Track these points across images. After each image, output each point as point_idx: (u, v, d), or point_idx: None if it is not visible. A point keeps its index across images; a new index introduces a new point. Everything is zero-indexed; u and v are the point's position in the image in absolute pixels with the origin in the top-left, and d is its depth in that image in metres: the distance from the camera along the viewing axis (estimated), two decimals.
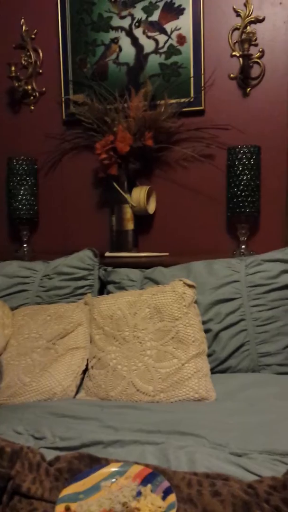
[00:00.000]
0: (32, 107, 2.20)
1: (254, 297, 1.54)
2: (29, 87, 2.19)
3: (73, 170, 2.14)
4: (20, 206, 2.07)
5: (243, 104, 1.96)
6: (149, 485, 0.93)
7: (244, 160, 1.83)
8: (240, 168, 1.83)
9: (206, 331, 1.53)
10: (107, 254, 1.94)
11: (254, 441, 1.10)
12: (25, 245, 2.13)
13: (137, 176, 2.01)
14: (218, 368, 1.52)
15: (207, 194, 1.99)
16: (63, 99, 2.12)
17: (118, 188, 1.95)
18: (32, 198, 2.10)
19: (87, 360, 1.53)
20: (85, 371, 1.53)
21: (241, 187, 1.83)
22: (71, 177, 2.15)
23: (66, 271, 1.76)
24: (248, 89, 1.95)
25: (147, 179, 2.04)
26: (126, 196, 1.95)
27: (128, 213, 1.96)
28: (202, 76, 1.96)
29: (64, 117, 2.13)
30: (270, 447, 1.07)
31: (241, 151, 1.83)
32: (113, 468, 0.99)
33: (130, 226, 1.97)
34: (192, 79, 1.97)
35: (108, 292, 1.74)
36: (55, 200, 2.18)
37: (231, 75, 1.96)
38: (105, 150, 1.90)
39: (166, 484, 0.92)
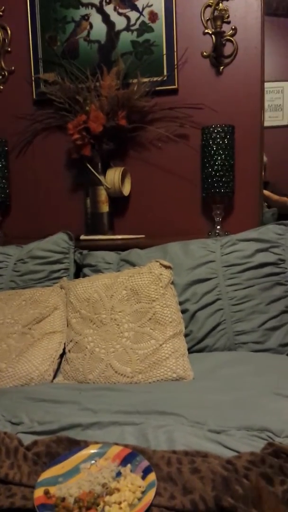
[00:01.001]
0: (1, 87, 2.13)
1: (229, 276, 1.55)
2: None
3: (45, 151, 2.09)
4: None
5: (216, 83, 1.94)
6: (128, 465, 0.93)
7: (218, 140, 1.82)
8: (214, 148, 1.82)
9: (183, 311, 1.53)
10: (83, 237, 1.91)
11: (232, 418, 1.11)
12: None
13: (111, 157, 1.98)
14: (195, 347, 1.53)
15: (182, 175, 1.97)
16: (33, 78, 2.05)
17: (92, 170, 1.91)
18: (3, 181, 2.04)
19: (64, 344, 1.52)
20: (62, 355, 1.52)
21: (216, 167, 1.82)
22: (43, 159, 2.10)
23: (40, 255, 1.73)
24: (221, 67, 1.93)
25: (121, 160, 2.01)
26: (100, 177, 1.92)
27: (103, 195, 1.93)
28: (175, 54, 1.92)
29: (34, 97, 2.07)
30: (248, 423, 1.08)
31: (215, 131, 1.82)
32: (92, 450, 0.99)
33: (105, 208, 1.94)
34: (164, 57, 1.93)
35: (84, 275, 1.72)
36: (27, 183, 2.13)
37: (204, 53, 1.93)
38: (78, 130, 1.86)
39: (145, 463, 0.92)
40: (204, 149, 1.85)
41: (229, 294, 1.54)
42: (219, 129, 1.82)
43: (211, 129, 1.83)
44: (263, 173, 1.98)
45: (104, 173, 1.93)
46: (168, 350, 1.40)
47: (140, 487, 0.87)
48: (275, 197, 2.76)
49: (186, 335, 1.51)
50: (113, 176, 1.90)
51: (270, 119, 3.89)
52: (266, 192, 2.50)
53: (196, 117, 1.94)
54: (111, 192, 1.93)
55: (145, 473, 0.90)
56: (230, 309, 1.53)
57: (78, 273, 1.78)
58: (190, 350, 1.51)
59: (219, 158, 1.82)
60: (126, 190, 1.97)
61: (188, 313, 1.54)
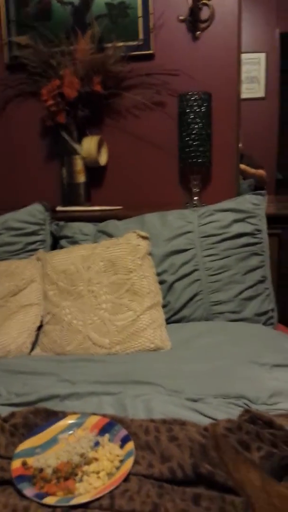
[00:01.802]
0: None
1: (206, 247, 1.55)
2: None
3: (19, 119, 2.01)
4: None
5: (193, 48, 1.88)
6: (106, 435, 0.94)
7: (196, 108, 1.78)
8: (192, 116, 1.78)
9: (161, 282, 1.53)
10: (59, 208, 1.87)
11: (209, 386, 1.13)
12: None
13: (87, 125, 1.92)
14: (173, 318, 1.54)
15: (159, 144, 1.93)
16: (5, 41, 1.95)
17: (67, 138, 1.86)
18: None
19: (41, 316, 1.50)
20: (39, 327, 1.50)
21: (193, 136, 1.79)
22: (17, 127, 2.02)
23: (16, 226, 1.69)
24: (198, 32, 1.87)
25: (97, 129, 1.95)
26: (76, 146, 1.86)
27: (79, 164, 1.88)
28: (151, 17, 1.85)
29: (7, 61, 1.97)
30: (224, 391, 1.10)
31: (192, 98, 1.78)
32: (70, 420, 0.99)
33: (81, 178, 1.90)
34: (140, 20, 1.86)
35: (61, 247, 1.70)
36: (0, 151, 2.05)
37: (180, 17, 1.86)
38: (52, 95, 1.79)
39: (123, 432, 0.93)
40: (181, 117, 1.81)
41: (206, 265, 1.54)
42: (196, 96, 1.78)
43: (188, 96, 1.78)
44: (239, 144, 1.96)
45: (79, 141, 1.88)
46: (145, 321, 1.40)
47: (118, 456, 0.88)
48: (251, 170, 2.75)
49: (163, 306, 1.51)
50: (89, 144, 1.85)
51: (247, 91, 3.83)
52: (242, 165, 2.48)
53: (173, 84, 1.89)
54: (87, 162, 1.88)
55: (123, 442, 0.91)
56: (207, 280, 1.53)
57: (55, 245, 1.75)
58: (168, 321, 1.51)
59: (196, 126, 1.79)
60: (103, 159, 1.93)
61: (165, 284, 1.54)
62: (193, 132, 1.78)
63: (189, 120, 1.78)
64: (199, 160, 1.80)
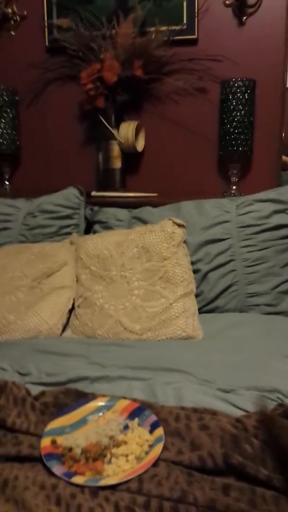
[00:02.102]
0: (13, 33, 2.03)
1: (244, 237, 1.51)
2: (9, 10, 2.00)
3: (57, 102, 2.02)
4: (0, 140, 1.95)
5: (238, 34, 1.83)
6: (136, 419, 0.93)
7: (238, 95, 1.74)
8: (234, 103, 1.74)
9: (195, 271, 1.50)
10: (94, 193, 1.86)
11: (242, 378, 1.10)
12: (6, 182, 2.04)
13: (125, 110, 1.90)
14: (206, 308, 1.51)
15: (199, 131, 1.90)
16: (46, 24, 1.95)
17: (105, 123, 1.84)
18: (13, 132, 1.98)
19: (73, 299, 1.51)
20: (71, 310, 1.50)
21: (234, 123, 1.74)
22: (55, 110, 2.02)
23: (50, 209, 1.69)
24: (244, 17, 1.82)
25: (135, 114, 1.93)
26: (114, 131, 1.85)
27: (116, 150, 1.87)
28: (196, 1, 1.81)
29: (47, 44, 1.97)
30: (257, 383, 1.07)
31: (235, 85, 1.73)
32: (100, 402, 0.98)
33: (117, 164, 1.88)
34: (184, 4, 1.82)
35: (95, 232, 1.69)
36: (37, 135, 2.06)
37: (227, 2, 1.81)
38: (91, 79, 1.78)
39: (153, 418, 0.91)
40: (223, 104, 1.77)
41: (243, 256, 1.50)
42: (240, 83, 1.73)
43: (231, 83, 1.74)
44: (283, 132, 1.90)
45: (117, 127, 1.86)
46: (178, 309, 1.38)
47: (147, 440, 0.87)
48: None
49: (197, 295, 1.48)
50: (126, 130, 1.83)
51: None
52: (283, 157, 2.41)
53: (216, 70, 1.84)
54: (124, 147, 1.86)
55: (153, 427, 0.89)
56: (243, 271, 1.49)
57: (89, 230, 1.75)
58: (201, 311, 1.49)
59: (238, 114, 1.74)
60: (140, 145, 1.90)
61: (200, 273, 1.51)
62: (235, 119, 1.74)
63: (232, 107, 1.74)
64: (239, 149, 1.75)
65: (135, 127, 1.83)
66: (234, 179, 1.81)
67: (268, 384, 1.06)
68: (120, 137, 1.85)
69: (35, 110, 2.04)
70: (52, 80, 2.00)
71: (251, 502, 0.74)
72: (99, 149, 1.91)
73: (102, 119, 1.85)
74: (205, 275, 1.51)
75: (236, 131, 1.75)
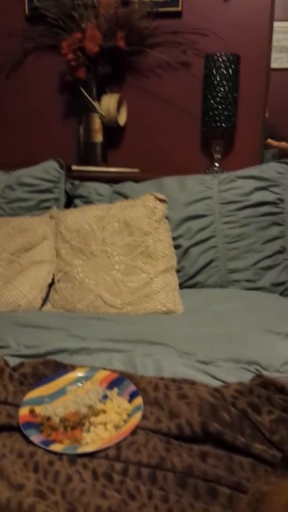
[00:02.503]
0: None
1: (226, 214, 1.51)
2: None
3: (37, 73, 1.95)
4: None
5: (223, 8, 1.80)
6: (115, 389, 0.93)
7: (222, 70, 1.71)
8: (218, 78, 1.71)
9: (176, 247, 1.49)
10: (74, 167, 1.83)
11: (221, 351, 1.11)
12: None
13: (107, 82, 1.86)
14: (187, 283, 1.51)
15: (182, 107, 1.87)
16: None
17: (86, 94, 1.80)
18: None
19: (53, 274, 1.49)
20: (51, 285, 1.49)
21: (218, 99, 1.72)
22: (35, 81, 1.96)
23: (30, 182, 1.66)
24: None
25: (117, 87, 1.89)
26: (95, 103, 1.81)
27: (97, 123, 1.83)
28: None
29: (27, 12, 1.90)
30: (236, 356, 1.08)
31: (220, 59, 1.70)
32: (79, 373, 0.98)
33: (98, 138, 1.85)
34: None
35: (75, 207, 1.66)
36: (17, 106, 2.00)
37: None
38: (72, 49, 1.73)
39: (132, 388, 0.91)
40: (206, 79, 1.74)
41: (225, 232, 1.50)
42: (224, 58, 1.70)
43: (216, 57, 1.71)
44: (266, 110, 1.89)
45: (99, 99, 1.82)
46: (159, 284, 1.38)
47: (126, 409, 0.87)
48: (274, 143, 2.66)
49: (178, 271, 1.48)
50: (108, 103, 1.79)
51: (275, 61, 3.69)
52: (268, 140, 2.40)
53: (200, 44, 1.81)
54: (105, 121, 1.83)
55: (132, 397, 0.90)
56: (225, 247, 1.49)
57: (69, 204, 1.72)
58: (182, 286, 1.49)
59: (222, 89, 1.72)
60: (122, 119, 1.87)
61: (181, 248, 1.51)
62: (219, 95, 1.71)
63: (215, 82, 1.71)
64: (223, 125, 1.74)
65: (117, 100, 1.79)
66: (217, 156, 1.80)
67: (246, 357, 1.07)
68: (101, 110, 1.81)
69: (14, 81, 1.98)
70: (32, 50, 1.94)
71: (228, 469, 0.75)
72: (80, 122, 1.87)
73: (83, 91, 1.80)
74: (186, 251, 1.51)
75: (219, 107, 1.73)
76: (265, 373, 1.03)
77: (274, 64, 3.68)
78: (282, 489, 0.60)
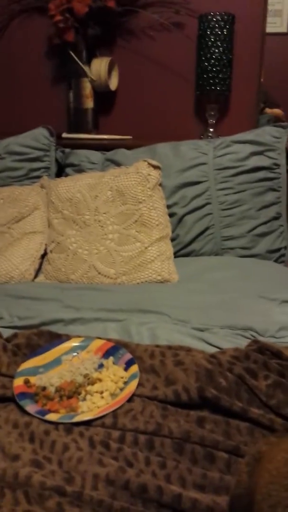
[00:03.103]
0: None
1: (221, 180, 1.47)
2: None
3: (23, 36, 1.87)
4: None
5: None
6: (111, 358, 0.92)
7: (217, 30, 1.64)
8: (212, 39, 1.64)
9: (171, 215, 1.47)
10: (64, 135, 1.77)
11: (216, 317, 1.10)
12: None
13: (97, 45, 1.79)
14: (182, 251, 1.49)
15: (175, 69, 1.80)
16: None
17: (76, 58, 1.73)
18: None
19: (46, 244, 1.46)
20: (44, 256, 1.46)
21: (212, 61, 1.66)
22: (21, 45, 1.88)
23: (19, 151, 1.61)
24: None
25: (108, 50, 1.81)
26: (85, 68, 1.74)
27: (87, 88, 1.76)
28: None
29: None
30: (231, 322, 1.07)
31: (214, 19, 1.63)
32: (74, 343, 0.96)
33: (89, 104, 1.78)
34: None
35: (66, 175, 1.62)
36: (2, 72, 1.92)
37: None
38: (60, 11, 1.65)
39: (128, 356, 0.91)
40: (200, 40, 1.67)
41: (220, 199, 1.47)
42: (218, 17, 1.63)
43: (210, 17, 1.64)
44: (262, 73, 1.83)
45: (89, 63, 1.75)
46: (153, 253, 1.36)
47: (122, 377, 0.86)
48: (268, 110, 2.61)
49: (172, 239, 1.46)
50: (99, 66, 1.73)
51: (269, 25, 3.58)
52: (267, 109, 2.34)
53: (194, 4, 1.73)
54: (96, 85, 1.76)
55: (128, 365, 0.89)
56: (220, 214, 1.47)
57: (60, 173, 1.67)
58: (176, 254, 1.47)
59: (216, 51, 1.65)
60: (113, 84, 1.81)
61: (175, 216, 1.48)
62: (213, 56, 1.65)
63: (210, 43, 1.65)
64: (217, 88, 1.68)
65: (108, 63, 1.73)
66: (211, 120, 1.75)
67: (242, 323, 1.07)
68: (92, 74, 1.74)
69: (0, 45, 1.89)
70: (18, 12, 1.85)
71: (225, 434, 0.75)
72: (69, 87, 1.80)
73: (73, 55, 1.73)
74: (181, 219, 1.48)
75: (214, 69, 1.67)
76: (260, 339, 1.03)
77: (268, 29, 3.56)
78: (282, 447, 0.60)
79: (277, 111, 2.72)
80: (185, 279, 1.34)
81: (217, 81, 1.67)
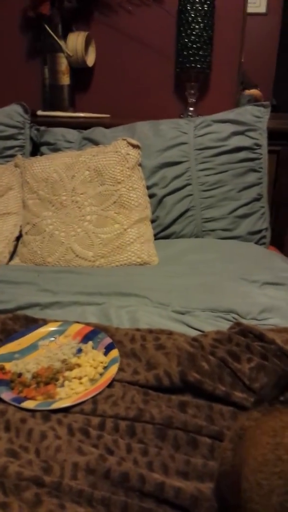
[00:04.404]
0: None
1: (202, 160, 1.44)
2: None
3: None
4: None
5: None
6: (90, 342, 0.89)
7: (197, 5, 1.59)
8: (193, 15, 1.59)
9: (150, 196, 1.43)
10: (40, 112, 1.70)
11: (197, 300, 1.08)
12: None
13: (74, 19, 1.71)
14: (162, 234, 1.46)
15: (154, 46, 1.74)
16: None
17: (51, 32, 1.65)
18: None
19: (20, 226, 1.41)
20: (18, 238, 1.41)
21: (193, 37, 1.61)
22: None
23: None
24: None
25: (85, 25, 1.74)
26: (61, 42, 1.67)
27: (64, 64, 1.69)
28: None
29: None
30: (213, 305, 1.05)
31: None
32: (51, 327, 0.93)
33: (65, 80, 1.72)
34: None
35: (42, 155, 1.56)
36: None
37: None
38: None
39: (108, 340, 0.88)
40: (180, 16, 1.62)
41: (200, 179, 1.44)
42: None
43: None
44: (242, 52, 1.79)
45: (65, 38, 1.68)
46: (132, 235, 1.32)
47: (102, 362, 0.83)
48: (246, 92, 2.57)
49: (152, 221, 1.43)
50: (75, 41, 1.65)
51: (248, 5, 3.52)
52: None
53: None
54: (72, 61, 1.69)
55: (108, 349, 0.86)
56: (200, 195, 1.43)
57: (35, 152, 1.61)
58: (156, 237, 1.44)
59: (197, 27, 1.60)
60: (90, 60, 1.74)
61: (155, 198, 1.44)
62: (194, 33, 1.60)
63: (190, 19, 1.60)
64: (198, 65, 1.64)
65: (84, 38, 1.66)
66: (191, 99, 1.71)
67: (224, 305, 1.05)
68: (68, 49, 1.67)
69: None
70: None
71: (208, 418, 0.73)
72: (45, 63, 1.73)
73: (48, 28, 1.66)
74: (161, 200, 1.44)
75: (194, 45, 1.62)
76: (242, 321, 1.01)
77: (247, 9, 3.50)
78: (264, 429, 0.58)
79: (255, 91, 2.68)
80: (165, 261, 1.31)
81: (197, 58, 1.63)
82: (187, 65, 1.64)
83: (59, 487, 0.58)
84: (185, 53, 1.63)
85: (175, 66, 1.72)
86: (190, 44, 1.61)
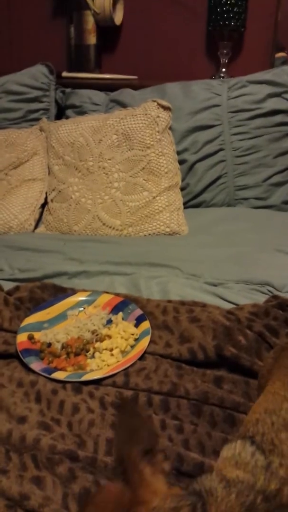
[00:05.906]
0: None
1: (235, 124, 1.36)
2: None
3: None
4: None
5: None
6: (120, 313, 0.86)
7: None
8: None
9: (181, 162, 1.37)
10: (65, 74, 1.63)
11: (230, 272, 1.03)
12: None
13: None
14: (192, 202, 1.40)
15: (186, 2, 1.64)
16: None
17: None
18: None
19: (46, 193, 1.37)
20: (44, 205, 1.38)
21: None
22: None
23: (16, 90, 1.48)
24: None
25: None
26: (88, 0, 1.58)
27: (90, 22, 1.61)
28: None
29: None
30: (247, 277, 1.01)
31: None
32: (80, 297, 0.90)
33: (92, 39, 1.63)
34: None
35: (67, 118, 1.50)
36: None
37: None
38: None
39: (139, 311, 0.84)
40: None
41: (234, 144, 1.36)
42: None
43: None
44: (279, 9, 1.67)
45: None
46: (162, 203, 1.28)
47: (133, 334, 0.81)
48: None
49: (182, 188, 1.37)
50: None
51: None
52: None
53: None
54: (100, 19, 1.60)
55: (139, 321, 0.83)
56: (233, 161, 1.37)
57: (60, 115, 1.55)
58: (186, 205, 1.38)
59: None
60: (118, 18, 1.65)
61: (186, 164, 1.38)
62: None
63: None
64: (231, 23, 1.53)
65: None
66: (224, 60, 1.61)
67: (258, 278, 1.00)
68: (95, 6, 1.58)
69: None
70: None
71: (245, 395, 0.70)
72: (70, 22, 1.64)
73: None
74: (192, 166, 1.38)
75: (228, 2, 1.52)
76: (278, 294, 0.96)
77: None
78: None
79: (282, 54, 2.53)
80: (195, 231, 1.26)
81: (231, 15, 1.52)
82: (220, 22, 1.54)
83: (94, 463, 0.56)
84: (218, 9, 1.53)
85: (207, 24, 1.61)
86: (223, 0, 1.51)
